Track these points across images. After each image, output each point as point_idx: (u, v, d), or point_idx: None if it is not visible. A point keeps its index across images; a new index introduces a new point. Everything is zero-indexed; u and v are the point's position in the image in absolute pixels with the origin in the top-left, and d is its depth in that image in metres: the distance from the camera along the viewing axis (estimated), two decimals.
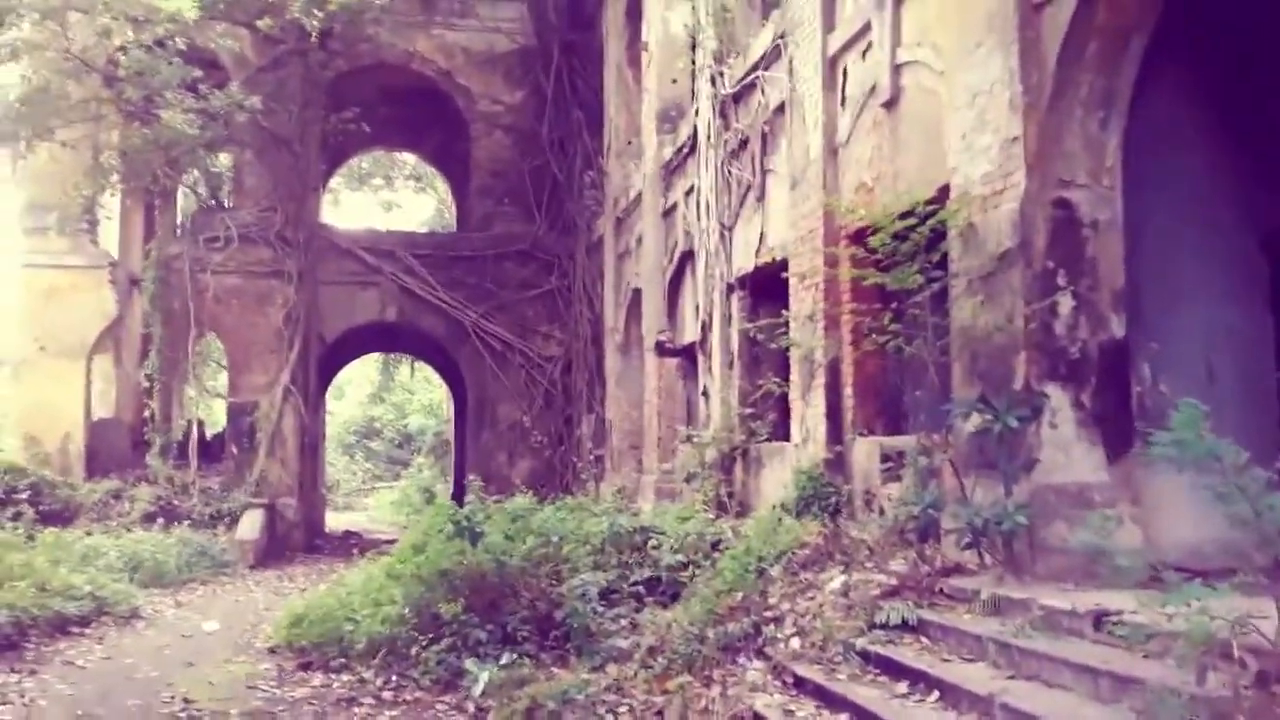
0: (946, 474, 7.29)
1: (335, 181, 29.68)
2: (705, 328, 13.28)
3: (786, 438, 10.94)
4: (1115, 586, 6.20)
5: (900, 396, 9.58)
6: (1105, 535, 4.57)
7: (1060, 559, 6.44)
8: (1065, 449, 6.59)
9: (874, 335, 7.46)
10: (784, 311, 10.61)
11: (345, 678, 8.15)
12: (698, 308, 13.67)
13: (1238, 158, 7.35)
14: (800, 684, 6.27)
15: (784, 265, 10.84)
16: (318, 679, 8.26)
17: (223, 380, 22.12)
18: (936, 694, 5.40)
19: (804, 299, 10.19)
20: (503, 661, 7.36)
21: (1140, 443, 6.93)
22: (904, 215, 7.35)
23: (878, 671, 6.02)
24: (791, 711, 5.90)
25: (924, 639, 6.17)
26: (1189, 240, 7.26)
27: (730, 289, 12.57)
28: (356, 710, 7.27)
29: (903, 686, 5.66)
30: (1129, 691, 4.45)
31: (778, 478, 10.56)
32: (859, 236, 8.89)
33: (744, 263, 12.28)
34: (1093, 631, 5.26)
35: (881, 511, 7.44)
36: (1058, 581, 6.31)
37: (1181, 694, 3.50)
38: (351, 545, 20.10)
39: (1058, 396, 6.61)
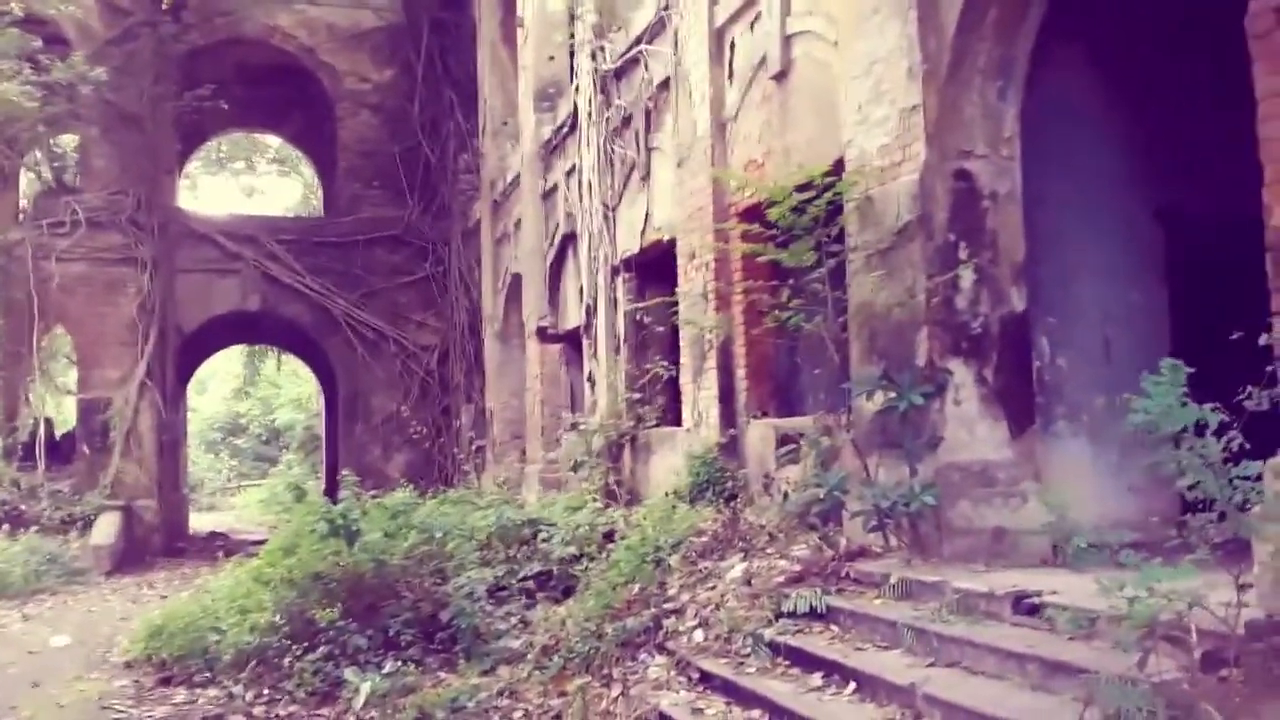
0: (847, 455, 7.08)
1: (193, 166, 28.18)
2: (590, 312, 12.89)
3: (677, 423, 10.65)
4: (1023, 566, 6.12)
5: (794, 378, 9.38)
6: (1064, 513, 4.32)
7: (967, 539, 6.30)
8: (969, 426, 6.43)
9: (775, 312, 7.18)
10: (673, 293, 10.31)
11: (211, 693, 7.49)
12: (581, 291, 13.26)
13: (1133, 131, 7.33)
14: (706, 679, 5.96)
15: (672, 246, 10.52)
16: (180, 695, 7.58)
17: (74, 376, 20.71)
18: (853, 685, 5.14)
19: (694, 279, 9.89)
20: (386, 669, 6.84)
21: (1041, 419, 6.86)
22: (801, 188, 7.08)
23: (788, 663, 5.73)
24: (700, 710, 5.57)
25: (834, 627, 5.92)
26: (1085, 213, 7.19)
27: (615, 271, 12.19)
28: None
29: (816, 679, 5.39)
30: (1059, 677, 4.25)
31: (669, 464, 10.26)
32: (751, 214, 8.63)
33: (629, 244, 11.92)
34: (1011, 614, 5.07)
35: (786, 496, 7.19)
36: (965, 562, 6.15)
37: (1136, 682, 3.28)
38: (217, 547, 18.99)
39: (960, 373, 6.45)
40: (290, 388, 35.93)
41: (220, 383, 39.56)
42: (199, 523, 25.42)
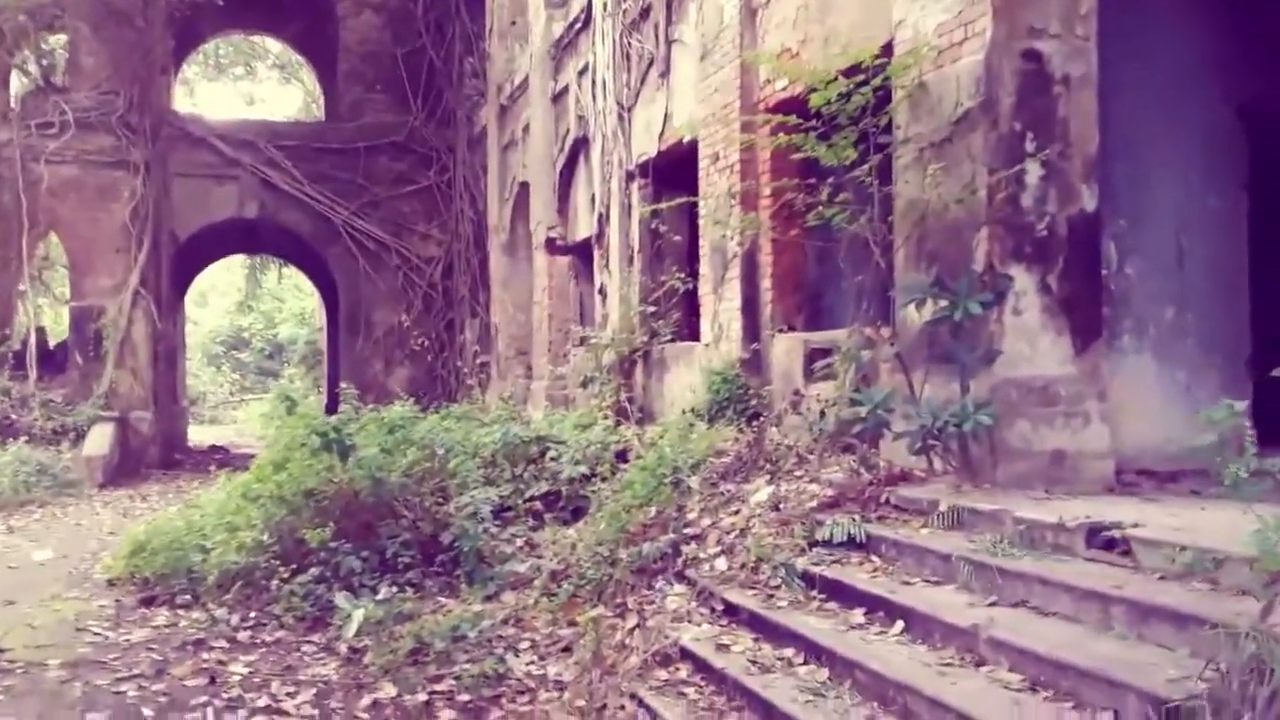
0: (886, 370, 6.45)
1: (191, 71, 27.19)
2: (602, 221, 12.17)
3: (694, 338, 10.01)
4: (1085, 494, 5.52)
5: (823, 290, 8.71)
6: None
7: (1023, 463, 5.69)
8: (1030, 339, 5.77)
9: (819, 209, 6.45)
10: (692, 199, 9.58)
11: (194, 615, 6.94)
12: (593, 200, 12.53)
13: (1217, 18, 6.54)
14: (732, 611, 5.39)
15: (693, 147, 9.77)
16: (161, 617, 7.05)
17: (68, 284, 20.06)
18: (901, 624, 4.56)
19: (716, 182, 9.16)
20: (381, 594, 6.29)
21: (1106, 331, 6.20)
22: (846, 74, 6.33)
23: (824, 597, 5.15)
24: (726, 646, 5.00)
25: (875, 558, 5.33)
26: (1161, 107, 6.46)
27: (630, 177, 11.44)
28: (206, 655, 6.10)
29: (858, 615, 4.81)
30: (1154, 623, 3.66)
31: (685, 381, 9.64)
32: (784, 108, 7.87)
33: (646, 147, 11.15)
34: (1085, 548, 4.47)
35: (822, 414, 6.56)
36: (1021, 488, 5.56)
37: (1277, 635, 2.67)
38: (215, 460, 18.61)
39: (1022, 279, 5.78)
40: (293, 301, 35.34)
41: (222, 296, 38.94)
42: (200, 435, 25.04)
